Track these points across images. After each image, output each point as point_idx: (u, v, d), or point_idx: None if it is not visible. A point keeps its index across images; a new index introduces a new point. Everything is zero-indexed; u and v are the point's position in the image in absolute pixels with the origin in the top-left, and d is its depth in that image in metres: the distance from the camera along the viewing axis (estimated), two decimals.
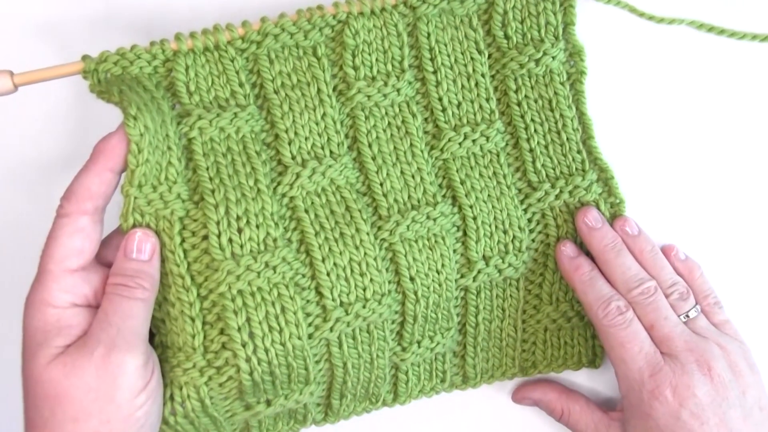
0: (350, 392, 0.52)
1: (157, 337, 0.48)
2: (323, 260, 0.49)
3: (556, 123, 0.53)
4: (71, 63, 0.47)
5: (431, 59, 0.52)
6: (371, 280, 0.49)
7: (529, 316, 0.54)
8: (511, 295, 0.54)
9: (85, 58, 0.46)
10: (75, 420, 0.41)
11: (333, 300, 0.49)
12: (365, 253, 0.49)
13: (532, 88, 0.52)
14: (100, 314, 0.43)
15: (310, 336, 0.48)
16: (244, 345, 0.46)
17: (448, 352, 0.54)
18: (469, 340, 0.54)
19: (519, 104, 0.52)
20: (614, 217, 0.53)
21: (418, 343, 0.52)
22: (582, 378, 0.57)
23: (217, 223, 0.47)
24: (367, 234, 0.50)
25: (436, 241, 0.51)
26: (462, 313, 0.53)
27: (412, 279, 0.51)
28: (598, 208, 0.53)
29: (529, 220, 0.53)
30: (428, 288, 0.51)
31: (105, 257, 0.46)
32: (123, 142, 0.44)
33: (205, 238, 0.47)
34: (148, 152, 0.45)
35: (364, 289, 0.49)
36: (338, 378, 0.51)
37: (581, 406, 0.53)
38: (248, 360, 0.46)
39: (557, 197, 0.52)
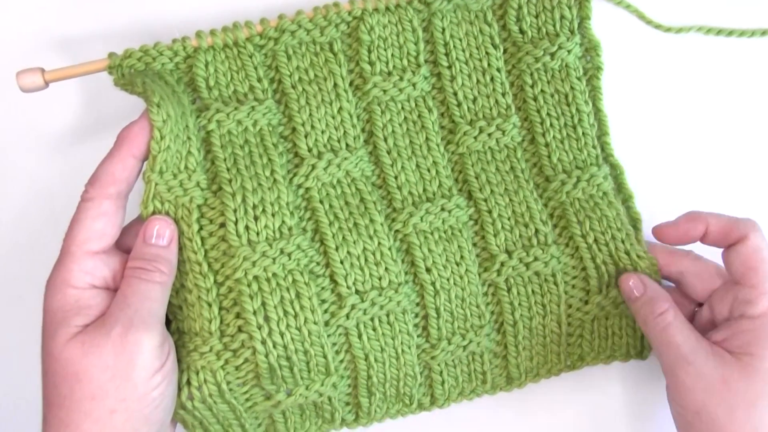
0: (378, 390, 0.51)
1: (173, 324, 0.49)
2: (337, 249, 0.49)
3: (572, 117, 0.53)
4: (98, 60, 0.49)
5: (446, 54, 0.52)
6: (386, 269, 0.50)
7: (576, 309, 0.52)
8: (549, 291, 0.51)
9: (111, 55, 0.49)
10: (92, 398, 0.42)
11: (348, 288, 0.49)
12: (379, 243, 0.50)
13: (548, 82, 0.53)
14: (118, 296, 0.44)
15: (326, 323, 0.49)
16: (259, 327, 0.47)
17: (486, 352, 0.52)
18: (509, 339, 0.52)
19: (535, 99, 0.53)
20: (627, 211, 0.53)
21: (448, 340, 0.51)
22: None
23: (234, 211, 0.48)
24: (381, 224, 0.50)
25: (452, 234, 0.51)
26: (497, 311, 0.52)
27: (428, 270, 0.51)
28: (615, 199, 0.52)
29: (551, 215, 0.52)
30: (448, 280, 0.51)
31: (125, 244, 0.47)
32: (145, 130, 0.46)
33: (222, 225, 0.48)
34: (170, 139, 0.46)
35: (380, 278, 0.50)
36: (362, 372, 0.50)
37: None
38: (264, 342, 0.47)
39: (575, 186, 0.52)
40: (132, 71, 0.48)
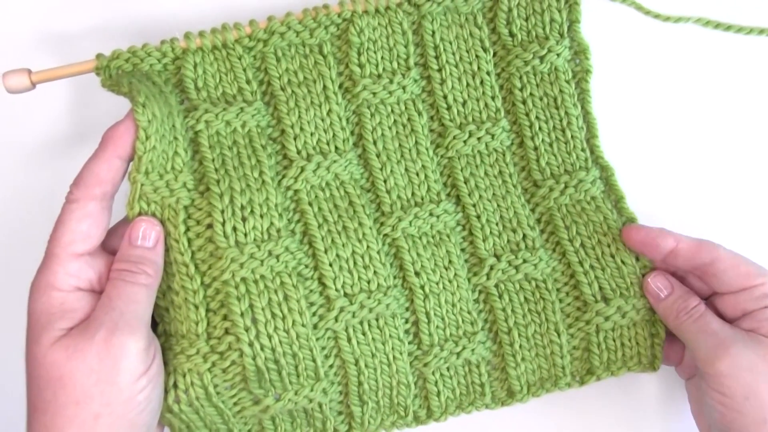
0: (371, 399, 0.50)
1: (160, 326, 0.48)
2: (326, 251, 0.49)
3: (561, 121, 0.53)
4: (85, 61, 0.49)
5: (436, 57, 0.52)
6: (375, 273, 0.50)
7: (575, 318, 0.51)
8: (543, 298, 0.51)
9: (98, 56, 0.48)
10: (77, 403, 0.41)
11: (336, 290, 0.49)
12: (368, 246, 0.50)
13: (537, 86, 0.53)
14: (103, 299, 0.44)
15: (315, 326, 0.48)
16: (246, 329, 0.47)
17: (483, 363, 0.52)
18: (506, 348, 0.51)
19: (524, 102, 0.53)
20: (620, 213, 0.52)
21: (441, 346, 0.51)
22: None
23: (222, 212, 0.48)
24: (370, 228, 0.50)
25: (441, 238, 0.51)
26: (491, 318, 0.52)
27: (417, 274, 0.50)
28: (603, 203, 0.52)
29: (539, 220, 0.52)
30: (437, 284, 0.51)
31: (111, 245, 0.47)
32: (130, 130, 0.46)
33: (210, 227, 0.48)
34: (156, 139, 0.46)
35: (369, 282, 0.49)
36: (352, 378, 0.50)
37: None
38: (251, 344, 0.47)
39: (562, 192, 0.52)
40: (119, 72, 0.48)
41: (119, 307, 0.43)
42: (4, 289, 0.52)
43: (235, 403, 0.48)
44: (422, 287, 0.50)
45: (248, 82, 0.50)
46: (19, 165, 0.54)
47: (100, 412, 0.41)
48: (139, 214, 0.47)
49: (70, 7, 0.53)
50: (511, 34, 0.53)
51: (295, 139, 0.50)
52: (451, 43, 0.52)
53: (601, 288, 0.51)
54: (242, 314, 0.47)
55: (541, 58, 0.52)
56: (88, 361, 0.41)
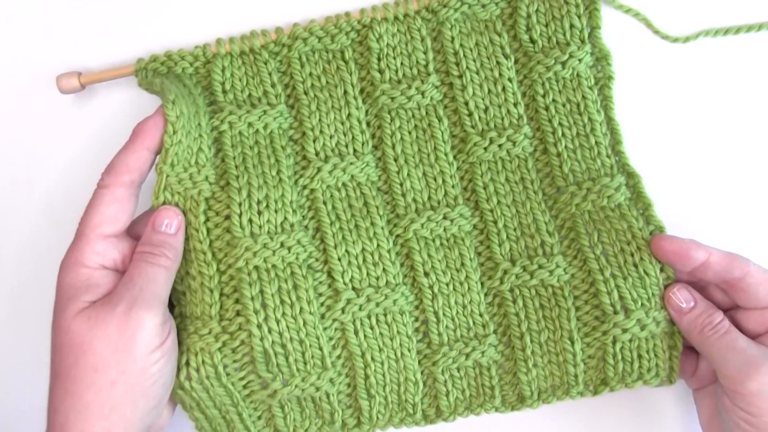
0: (378, 393, 0.52)
1: (177, 308, 0.52)
2: (335, 246, 0.51)
3: (584, 127, 0.52)
4: (127, 65, 0.54)
5: (456, 63, 0.54)
6: (384, 270, 0.51)
7: (592, 328, 0.51)
8: (558, 305, 0.51)
9: (139, 60, 0.53)
10: (95, 369, 0.45)
11: (344, 283, 0.51)
12: (378, 245, 0.51)
13: (559, 92, 0.53)
14: (125, 277, 0.47)
15: (322, 316, 0.51)
16: (256, 312, 0.49)
17: (494, 366, 0.52)
18: (518, 353, 0.51)
19: (546, 108, 0.53)
20: (648, 221, 0.51)
21: (450, 346, 0.52)
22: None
23: (239, 205, 0.51)
24: (382, 228, 0.52)
25: (455, 241, 0.52)
26: (505, 323, 0.52)
27: (426, 274, 0.52)
28: (628, 211, 0.51)
29: (561, 227, 0.52)
30: (447, 285, 0.52)
31: (136, 232, 0.51)
32: (158, 125, 0.50)
33: (228, 218, 0.51)
34: (182, 134, 0.50)
35: (377, 278, 0.51)
36: (359, 370, 0.51)
37: None
38: (259, 326, 0.49)
39: (584, 198, 0.51)
40: (154, 73, 0.52)
41: (139, 284, 0.47)
42: (21, 284, 0.57)
43: (244, 386, 0.50)
44: (431, 287, 0.52)
45: (273, 85, 0.53)
46: (35, 169, 0.57)
47: (116, 380, 0.45)
48: (164, 203, 0.51)
49: (110, 38, 0.56)
50: (532, 41, 0.53)
51: (314, 141, 0.53)
52: (471, 49, 0.53)
53: (621, 297, 0.50)
54: (252, 298, 0.50)
55: (563, 64, 0.52)
56: (108, 331, 0.45)
